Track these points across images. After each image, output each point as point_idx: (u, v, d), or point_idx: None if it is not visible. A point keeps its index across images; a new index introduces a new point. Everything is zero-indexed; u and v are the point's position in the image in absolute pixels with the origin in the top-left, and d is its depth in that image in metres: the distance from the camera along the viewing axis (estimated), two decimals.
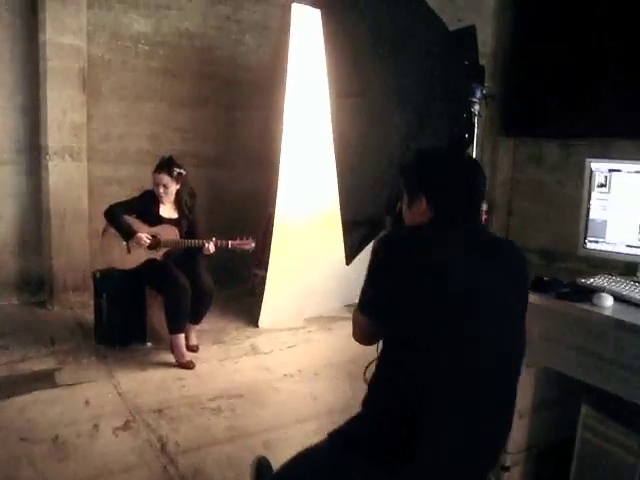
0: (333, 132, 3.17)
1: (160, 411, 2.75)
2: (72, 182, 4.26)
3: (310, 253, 4.24)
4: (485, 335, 1.30)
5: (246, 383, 3.12)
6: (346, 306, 4.62)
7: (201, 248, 3.42)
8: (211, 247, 3.40)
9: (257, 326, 4.06)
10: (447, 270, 1.28)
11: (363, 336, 1.49)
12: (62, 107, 4.12)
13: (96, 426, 2.58)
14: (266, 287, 4.09)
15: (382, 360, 1.43)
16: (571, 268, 4.73)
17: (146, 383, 3.06)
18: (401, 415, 1.30)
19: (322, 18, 3.43)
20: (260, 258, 4.54)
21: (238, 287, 4.81)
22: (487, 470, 1.49)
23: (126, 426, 2.60)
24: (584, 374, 1.79)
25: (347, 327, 4.26)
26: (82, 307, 4.22)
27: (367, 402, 1.44)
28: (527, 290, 1.45)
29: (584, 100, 4.71)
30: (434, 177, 1.44)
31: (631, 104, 4.33)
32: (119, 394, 2.90)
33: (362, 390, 1.47)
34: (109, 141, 4.60)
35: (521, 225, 5.81)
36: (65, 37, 4.06)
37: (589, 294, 1.81)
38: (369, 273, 1.39)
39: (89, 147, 4.41)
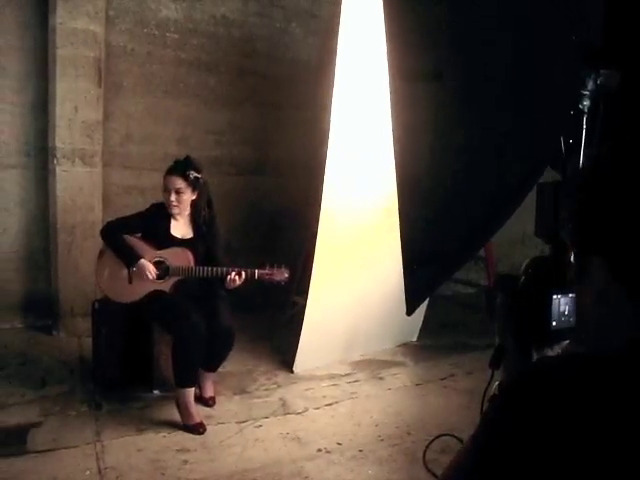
0: (393, 133, 2.33)
1: None
2: (83, 191, 3.65)
3: (360, 280, 3.46)
4: None
5: (266, 462, 2.35)
6: (400, 346, 3.83)
7: (223, 279, 2.72)
8: (236, 278, 2.68)
9: (291, 371, 3.32)
10: None
11: None
12: (73, 102, 3.51)
13: None
14: (304, 320, 3.32)
15: None
16: None
17: (138, 455, 2.34)
18: None
19: None
20: (301, 283, 3.80)
21: (273, 315, 4.07)
22: None
23: None
24: None
25: (402, 377, 3.49)
26: (90, 336, 3.58)
27: None
28: None
29: None
30: None
31: None
32: (99, 472, 2.20)
33: None
34: (130, 143, 3.99)
35: None
36: (79, 21, 3.45)
37: None
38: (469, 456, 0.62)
39: (106, 150, 3.81)
